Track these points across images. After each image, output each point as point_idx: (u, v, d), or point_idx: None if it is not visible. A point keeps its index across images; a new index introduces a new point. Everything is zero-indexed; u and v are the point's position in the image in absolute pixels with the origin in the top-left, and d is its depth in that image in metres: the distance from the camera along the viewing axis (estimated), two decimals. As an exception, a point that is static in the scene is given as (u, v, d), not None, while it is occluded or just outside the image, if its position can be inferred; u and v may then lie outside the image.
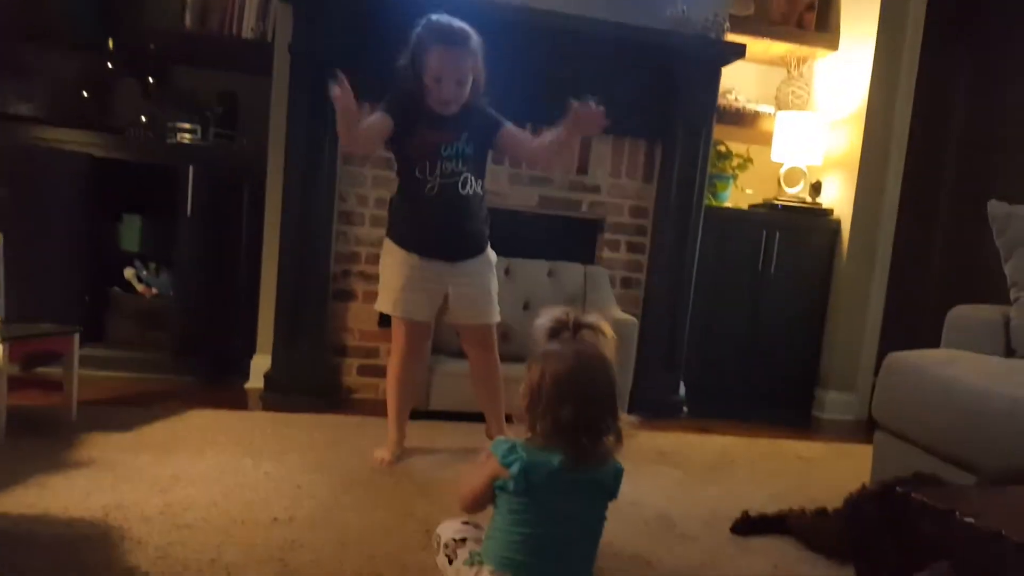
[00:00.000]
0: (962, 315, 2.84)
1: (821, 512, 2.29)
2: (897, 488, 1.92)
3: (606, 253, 3.97)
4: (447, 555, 1.72)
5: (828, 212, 4.41)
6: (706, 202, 4.01)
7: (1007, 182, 4.07)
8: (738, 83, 4.53)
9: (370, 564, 1.86)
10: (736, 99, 4.51)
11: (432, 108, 2.53)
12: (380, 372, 3.56)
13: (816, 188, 4.45)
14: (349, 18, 3.37)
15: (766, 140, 4.52)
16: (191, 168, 3.61)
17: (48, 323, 2.91)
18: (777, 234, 4.24)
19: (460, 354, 3.45)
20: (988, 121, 4.37)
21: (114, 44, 3.95)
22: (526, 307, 3.56)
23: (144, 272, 3.90)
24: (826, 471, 3.14)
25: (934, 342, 2.86)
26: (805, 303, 4.38)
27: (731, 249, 4.23)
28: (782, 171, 4.42)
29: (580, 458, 1.58)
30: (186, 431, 2.85)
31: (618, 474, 1.67)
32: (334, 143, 3.45)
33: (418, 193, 2.58)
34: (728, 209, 4.36)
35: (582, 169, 3.88)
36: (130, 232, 3.95)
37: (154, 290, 3.89)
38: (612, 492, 1.68)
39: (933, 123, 4.59)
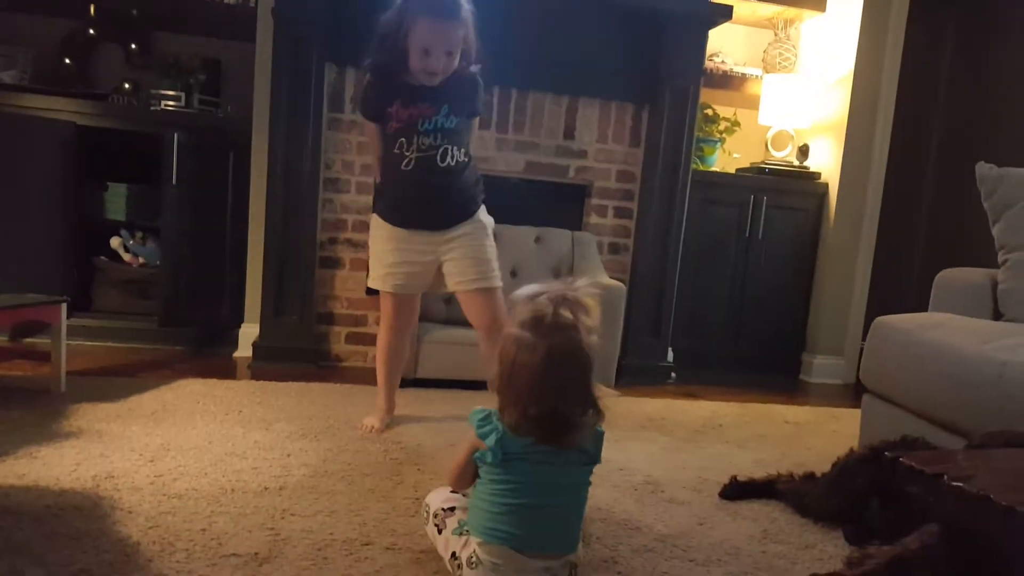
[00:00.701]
0: (950, 278, 2.84)
1: (809, 476, 2.30)
2: (885, 452, 1.94)
3: (593, 218, 3.96)
4: (436, 524, 1.72)
5: (816, 176, 4.40)
6: (693, 166, 4.00)
7: (995, 145, 4.07)
8: (725, 46, 4.51)
9: (360, 531, 1.86)
10: (723, 62, 4.48)
11: (409, 81, 2.46)
12: (368, 340, 3.57)
13: (804, 152, 4.44)
14: (333, -19, 3.33)
15: (753, 103, 4.50)
16: (176, 136, 3.56)
17: (35, 293, 2.88)
18: (764, 198, 4.24)
19: (447, 322, 3.46)
20: (976, 83, 4.36)
21: (95, 9, 3.89)
22: (514, 274, 3.55)
23: (131, 241, 3.87)
24: (814, 435, 3.16)
25: (922, 306, 2.86)
26: (793, 267, 4.40)
27: (718, 213, 4.23)
28: (769, 135, 4.42)
29: (551, 444, 1.56)
30: (175, 401, 2.84)
31: (598, 438, 1.63)
32: (319, 109, 3.43)
33: (396, 167, 2.53)
34: (715, 173, 4.34)
35: (569, 134, 3.86)
36: (116, 201, 3.91)
37: (141, 260, 3.87)
38: (594, 457, 1.64)
39: (921, 86, 4.58)
